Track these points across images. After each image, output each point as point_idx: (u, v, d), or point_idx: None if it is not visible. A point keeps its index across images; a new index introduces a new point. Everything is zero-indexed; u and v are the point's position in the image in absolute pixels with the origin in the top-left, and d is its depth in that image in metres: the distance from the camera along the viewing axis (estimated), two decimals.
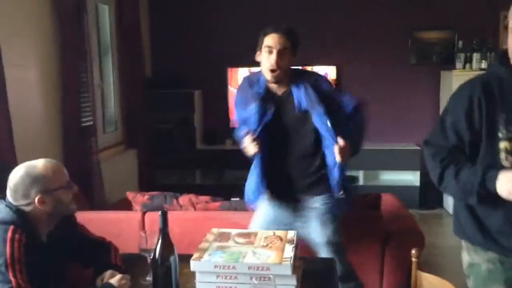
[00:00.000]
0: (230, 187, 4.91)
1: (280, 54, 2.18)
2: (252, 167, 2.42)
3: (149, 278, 1.74)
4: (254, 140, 2.16)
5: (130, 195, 2.87)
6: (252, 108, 2.26)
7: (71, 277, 1.83)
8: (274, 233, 1.76)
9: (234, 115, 2.54)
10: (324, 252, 2.28)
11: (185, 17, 5.59)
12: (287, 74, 2.24)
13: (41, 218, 1.68)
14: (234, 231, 1.79)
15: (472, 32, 5.07)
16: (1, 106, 2.74)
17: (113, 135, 4.76)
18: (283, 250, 1.60)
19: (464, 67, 4.94)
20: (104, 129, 4.54)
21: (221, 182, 5.57)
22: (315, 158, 2.29)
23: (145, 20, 5.39)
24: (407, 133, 5.52)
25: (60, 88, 3.59)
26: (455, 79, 4.88)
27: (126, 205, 3.15)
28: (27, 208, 1.66)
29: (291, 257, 1.53)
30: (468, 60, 4.94)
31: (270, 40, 2.21)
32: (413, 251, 1.74)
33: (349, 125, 2.21)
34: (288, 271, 1.49)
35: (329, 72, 5.31)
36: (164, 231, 1.59)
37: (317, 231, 2.28)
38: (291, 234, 1.75)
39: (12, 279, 1.48)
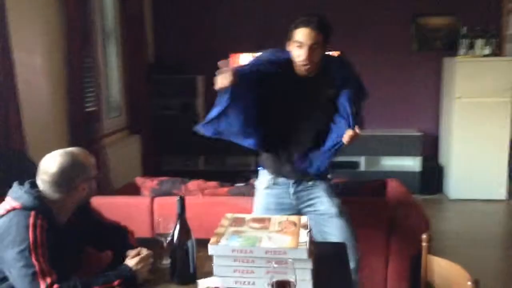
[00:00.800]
0: (232, 173, 4.96)
1: (311, 49, 2.11)
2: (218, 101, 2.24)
3: (165, 261, 1.78)
4: (234, 73, 2.03)
5: (139, 180, 2.89)
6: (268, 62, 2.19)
7: (88, 259, 1.86)
8: (288, 219, 1.80)
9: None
10: (337, 225, 2.25)
11: (188, 2, 5.57)
12: (319, 63, 2.19)
13: (67, 205, 1.71)
14: (248, 216, 1.82)
15: (475, 18, 5.08)
16: (10, 91, 2.76)
17: (117, 121, 4.77)
18: (298, 234, 1.63)
19: (467, 53, 4.95)
20: (108, 114, 4.55)
21: (224, 168, 5.61)
22: (321, 138, 2.26)
23: (148, 6, 5.37)
24: (409, 119, 5.55)
25: (65, 73, 3.60)
26: (458, 66, 4.91)
27: (132, 190, 3.18)
28: (56, 196, 1.67)
29: (306, 241, 1.57)
30: (471, 47, 4.94)
31: (301, 35, 2.11)
32: (424, 236, 1.77)
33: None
34: (305, 255, 1.52)
35: None
36: (181, 216, 1.62)
37: (326, 205, 2.27)
38: (304, 219, 1.78)
39: (36, 262, 1.51)
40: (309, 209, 2.31)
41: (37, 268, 1.51)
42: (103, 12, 4.51)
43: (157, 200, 2.78)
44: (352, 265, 2.14)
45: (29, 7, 3.20)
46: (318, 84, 2.23)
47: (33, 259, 1.51)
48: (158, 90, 5.30)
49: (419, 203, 2.96)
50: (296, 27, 2.13)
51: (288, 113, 2.27)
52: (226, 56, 5.49)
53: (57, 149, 1.74)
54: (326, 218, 2.27)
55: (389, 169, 5.34)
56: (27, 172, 1.85)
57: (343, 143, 2.14)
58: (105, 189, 3.83)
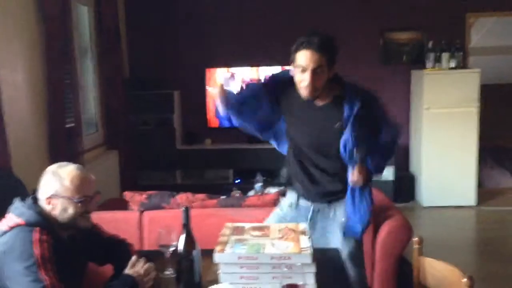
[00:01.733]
0: (211, 186, 4.99)
1: (314, 73, 1.96)
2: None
3: (168, 272, 1.81)
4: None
5: (128, 194, 2.90)
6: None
7: (89, 274, 1.87)
8: (287, 226, 1.86)
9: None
10: (347, 268, 2.12)
11: (163, 18, 5.62)
12: (325, 87, 2.05)
13: (56, 221, 1.69)
14: (247, 225, 1.88)
15: (441, 33, 5.33)
16: None
17: (94, 137, 4.73)
18: (298, 240, 1.70)
19: (434, 66, 5.18)
20: (85, 130, 4.51)
21: (202, 181, 5.64)
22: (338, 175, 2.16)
23: (123, 21, 5.38)
24: None
25: (46, 89, 3.58)
26: (426, 78, 5.13)
27: (116, 205, 3.17)
28: (42, 204, 1.68)
29: (309, 246, 1.64)
30: (437, 60, 5.17)
31: (303, 59, 1.96)
32: (416, 238, 1.87)
33: (376, 150, 2.10)
34: (309, 260, 1.59)
35: None
36: (187, 226, 1.67)
37: (339, 244, 2.15)
38: (303, 226, 1.85)
39: (45, 277, 1.51)
40: (321, 240, 2.17)
41: (47, 282, 1.51)
42: (79, 28, 4.50)
43: (146, 214, 2.79)
44: None
45: (11, 24, 3.18)
46: (326, 114, 2.10)
47: (43, 274, 1.51)
48: (135, 106, 5.30)
49: (399, 210, 3.08)
50: (297, 49, 1.99)
51: (298, 137, 2.21)
52: (201, 72, 5.57)
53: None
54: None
55: None
56: (14, 190, 1.85)
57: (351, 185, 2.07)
58: None
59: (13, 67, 3.20)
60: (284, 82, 2.15)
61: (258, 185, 3.92)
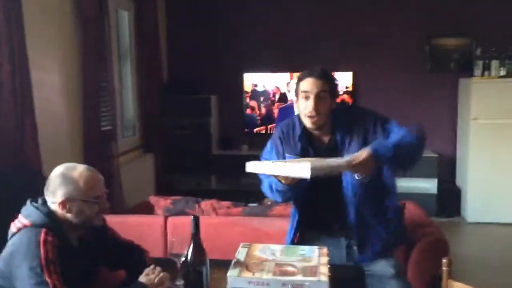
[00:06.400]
0: (245, 193, 4.91)
1: (317, 98, 2.00)
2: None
3: (178, 282, 1.74)
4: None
5: (152, 199, 2.88)
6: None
7: (100, 278, 1.83)
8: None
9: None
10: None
11: (202, 22, 5.62)
12: (329, 118, 2.05)
13: (67, 222, 1.68)
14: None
15: (491, 39, 5.04)
16: (28, 110, 2.77)
17: (131, 140, 4.79)
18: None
19: (482, 75, 4.90)
20: (122, 133, 4.57)
21: (237, 187, 5.57)
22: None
23: (163, 25, 5.43)
24: None
25: (81, 92, 3.63)
26: (473, 87, 4.86)
27: (145, 209, 3.16)
28: (54, 207, 1.66)
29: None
30: (486, 68, 4.90)
31: (306, 85, 2.02)
32: (444, 260, 1.71)
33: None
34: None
35: (345, 78, 5.31)
36: (196, 236, 1.60)
37: (383, 264, 2.07)
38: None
39: (49, 280, 1.49)
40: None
41: (51, 285, 1.49)
42: (118, 31, 4.57)
43: (171, 219, 2.76)
44: None
45: (47, 26, 3.24)
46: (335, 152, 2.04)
47: (46, 277, 1.49)
48: (172, 110, 5.32)
49: (437, 226, 2.89)
50: (301, 79, 2.06)
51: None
52: (239, 76, 5.53)
53: None
54: (383, 280, 2.05)
55: (405, 190, 5.22)
56: (43, 192, 1.84)
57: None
58: (119, 208, 3.82)
59: (49, 69, 3.26)
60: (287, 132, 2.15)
61: None
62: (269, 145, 2.21)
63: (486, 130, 4.88)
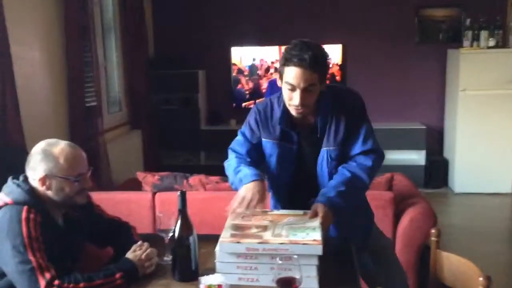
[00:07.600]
0: None
1: (304, 91, 1.73)
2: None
3: (167, 258, 1.73)
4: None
5: (140, 175, 2.85)
6: (269, 145, 1.91)
7: (87, 256, 1.82)
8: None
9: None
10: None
11: None
12: (315, 104, 1.84)
13: (49, 199, 1.64)
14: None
15: (480, 9, 5.00)
16: (8, 85, 2.70)
17: (117, 116, 4.72)
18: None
19: (471, 45, 4.88)
20: (108, 109, 4.50)
21: None
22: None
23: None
24: (413, 112, 5.48)
25: (65, 67, 3.54)
26: (462, 58, 4.84)
27: (132, 186, 3.13)
28: (35, 184, 1.63)
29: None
30: (475, 38, 4.87)
31: (291, 76, 1.72)
32: (433, 231, 1.72)
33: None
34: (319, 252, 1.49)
35: (334, 50, 5.25)
36: (183, 212, 1.58)
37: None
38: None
39: (32, 258, 1.47)
40: None
41: (34, 264, 1.47)
42: (102, 5, 4.45)
43: (159, 195, 2.73)
44: None
45: (27, 0, 3.14)
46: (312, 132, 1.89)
47: (30, 255, 1.47)
48: (159, 85, 5.24)
49: (425, 197, 2.91)
50: (287, 64, 1.74)
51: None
52: (226, 50, 5.45)
53: None
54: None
55: (393, 163, 5.26)
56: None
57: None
58: (106, 185, 3.79)
59: (29, 43, 3.17)
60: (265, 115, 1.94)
61: None
62: (246, 127, 1.99)
63: (475, 101, 4.89)
